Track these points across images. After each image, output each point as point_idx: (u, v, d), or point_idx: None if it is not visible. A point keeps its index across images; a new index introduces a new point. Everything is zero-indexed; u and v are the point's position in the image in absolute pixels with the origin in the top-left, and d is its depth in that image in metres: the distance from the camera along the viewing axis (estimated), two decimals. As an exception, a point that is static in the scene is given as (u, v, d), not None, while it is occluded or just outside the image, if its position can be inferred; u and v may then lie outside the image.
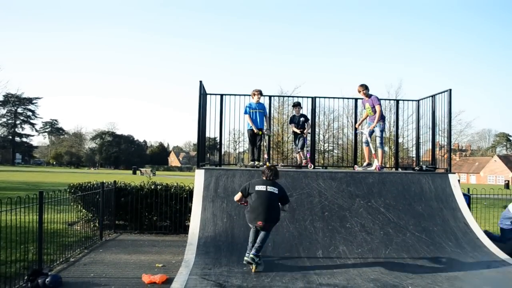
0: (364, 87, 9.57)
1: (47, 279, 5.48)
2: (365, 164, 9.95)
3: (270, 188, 6.36)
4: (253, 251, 6.18)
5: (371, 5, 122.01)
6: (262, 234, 6.27)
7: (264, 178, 6.55)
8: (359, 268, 6.43)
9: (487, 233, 8.11)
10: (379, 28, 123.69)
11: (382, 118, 9.54)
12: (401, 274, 6.15)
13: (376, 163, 9.44)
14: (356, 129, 10.44)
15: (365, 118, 9.92)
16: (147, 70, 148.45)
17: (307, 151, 10.39)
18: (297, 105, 10.42)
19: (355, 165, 10.53)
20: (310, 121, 10.48)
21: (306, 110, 10.66)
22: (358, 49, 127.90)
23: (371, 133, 9.57)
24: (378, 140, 9.54)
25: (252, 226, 6.42)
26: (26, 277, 5.64)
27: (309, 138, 10.58)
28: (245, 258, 6.24)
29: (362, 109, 10.08)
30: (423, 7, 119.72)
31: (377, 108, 9.36)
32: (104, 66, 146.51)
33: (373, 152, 9.64)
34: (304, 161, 10.32)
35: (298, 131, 10.23)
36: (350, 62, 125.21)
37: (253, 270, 6.11)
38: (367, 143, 9.70)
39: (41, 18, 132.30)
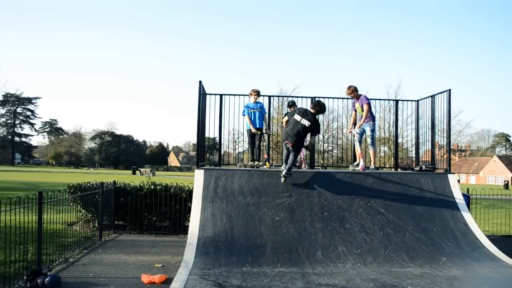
0: (353, 89, 9.54)
1: (46, 279, 5.49)
2: (355, 163, 9.92)
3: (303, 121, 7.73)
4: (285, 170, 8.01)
5: (371, 5, 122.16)
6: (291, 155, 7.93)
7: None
8: (358, 268, 6.43)
9: None
10: (379, 28, 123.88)
11: (372, 118, 9.54)
12: (401, 274, 6.16)
13: (361, 163, 9.43)
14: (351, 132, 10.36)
15: (355, 119, 9.86)
16: (146, 71, 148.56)
17: (301, 151, 10.42)
18: (292, 105, 10.45)
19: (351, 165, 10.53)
20: None
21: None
22: (357, 49, 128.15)
23: (362, 132, 9.56)
24: (369, 140, 9.56)
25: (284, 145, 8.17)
26: (25, 277, 5.64)
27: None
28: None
29: (352, 111, 10.03)
30: (423, 7, 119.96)
31: (365, 107, 9.34)
32: (103, 67, 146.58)
33: (359, 152, 9.64)
34: (298, 161, 10.36)
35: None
36: (350, 63, 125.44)
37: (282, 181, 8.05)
38: (358, 142, 9.70)
39: (40, 18, 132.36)
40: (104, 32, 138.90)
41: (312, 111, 7.93)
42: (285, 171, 8.00)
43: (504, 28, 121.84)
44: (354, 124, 9.83)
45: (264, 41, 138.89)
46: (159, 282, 5.79)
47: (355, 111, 9.72)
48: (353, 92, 9.50)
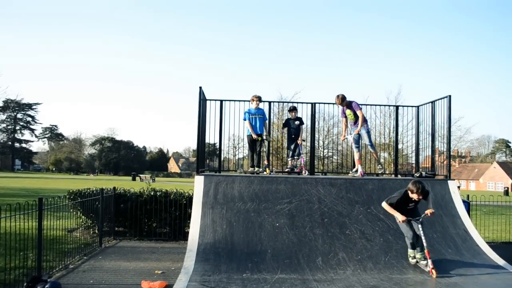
0: (342, 98, 9.48)
1: (46, 286, 5.47)
2: (354, 170, 9.95)
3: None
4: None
5: (370, 11, 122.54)
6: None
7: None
8: (358, 274, 6.42)
9: None
10: (379, 34, 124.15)
11: (364, 120, 9.61)
12: (401, 281, 6.15)
13: (360, 169, 9.46)
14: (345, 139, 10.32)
15: (347, 126, 9.90)
16: (146, 77, 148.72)
17: (301, 157, 10.47)
18: (293, 109, 10.56)
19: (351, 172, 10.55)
20: (304, 125, 10.57)
21: (305, 115, 10.72)
22: (357, 55, 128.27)
23: (358, 138, 9.59)
24: (367, 142, 9.68)
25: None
26: (25, 284, 5.63)
27: (304, 144, 10.70)
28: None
29: (342, 118, 10.04)
30: (423, 13, 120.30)
31: (359, 113, 9.39)
32: (103, 73, 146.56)
33: (356, 158, 9.66)
34: (298, 167, 10.40)
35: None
36: (350, 69, 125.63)
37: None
38: (357, 148, 9.70)
39: (40, 24, 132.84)
40: (104, 38, 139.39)
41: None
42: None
43: (504, 33, 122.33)
44: (346, 130, 9.91)
45: (265, 47, 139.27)
46: (159, 289, 5.78)
47: (345, 117, 9.77)
48: (343, 101, 9.53)
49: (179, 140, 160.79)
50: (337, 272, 6.49)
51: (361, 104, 9.93)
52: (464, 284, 6.17)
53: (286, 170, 10.88)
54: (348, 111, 9.64)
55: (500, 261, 7.15)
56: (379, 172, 9.95)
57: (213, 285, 5.75)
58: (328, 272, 6.47)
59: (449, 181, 8.94)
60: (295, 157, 10.49)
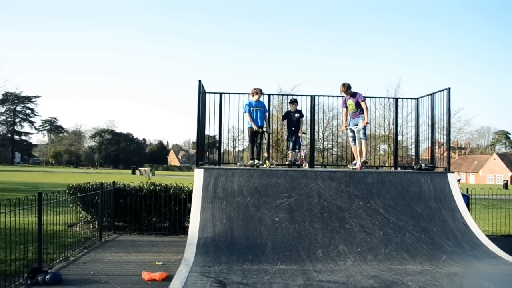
0: (347, 87, 9.48)
1: (47, 277, 5.51)
2: (353, 162, 9.94)
3: None
4: None
5: (370, 5, 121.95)
6: None
7: None
8: (358, 265, 6.45)
9: None
10: (378, 28, 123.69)
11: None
12: (401, 271, 6.17)
13: (358, 162, 9.46)
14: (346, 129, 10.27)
15: (347, 117, 9.84)
16: (146, 70, 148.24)
17: (301, 150, 10.46)
18: (293, 101, 10.55)
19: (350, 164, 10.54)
20: (304, 118, 10.55)
21: (305, 108, 10.69)
22: (357, 48, 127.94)
23: (365, 129, 9.56)
24: (361, 131, 9.56)
25: None
26: (26, 275, 5.66)
27: (304, 136, 10.69)
28: None
29: (342, 108, 9.99)
30: (422, 7, 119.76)
31: (363, 104, 9.39)
32: (102, 67, 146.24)
33: (357, 150, 9.65)
34: (298, 160, 10.40)
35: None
36: (349, 62, 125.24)
37: None
38: (354, 141, 9.69)
39: (39, 18, 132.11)
40: (103, 32, 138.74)
41: None
42: None
43: (503, 27, 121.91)
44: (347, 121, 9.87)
45: (264, 41, 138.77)
46: (160, 279, 5.80)
47: (346, 108, 9.73)
48: (348, 90, 9.51)
49: (179, 132, 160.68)
50: (337, 263, 6.51)
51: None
52: (464, 273, 6.20)
53: (287, 163, 10.88)
54: (350, 101, 9.57)
55: (500, 252, 7.17)
56: (351, 168, 9.77)
57: (213, 275, 5.78)
58: (328, 263, 6.49)
59: (448, 174, 8.93)
60: (296, 150, 10.48)
